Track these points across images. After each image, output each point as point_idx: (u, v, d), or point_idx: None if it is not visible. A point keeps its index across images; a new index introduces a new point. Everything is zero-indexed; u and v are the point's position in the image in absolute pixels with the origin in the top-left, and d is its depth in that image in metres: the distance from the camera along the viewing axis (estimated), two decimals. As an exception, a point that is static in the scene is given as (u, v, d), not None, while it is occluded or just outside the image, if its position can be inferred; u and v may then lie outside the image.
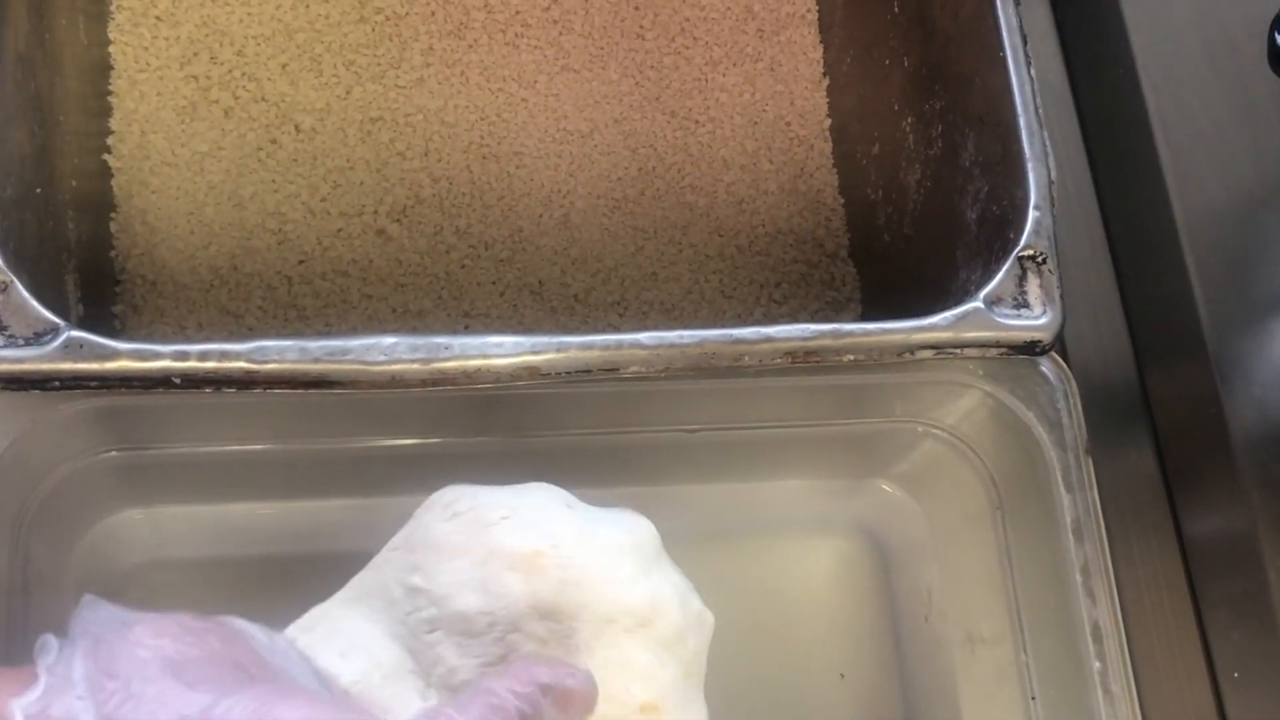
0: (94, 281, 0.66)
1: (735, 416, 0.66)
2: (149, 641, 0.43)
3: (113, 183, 0.69)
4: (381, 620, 0.50)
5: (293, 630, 0.50)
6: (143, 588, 0.65)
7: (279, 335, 0.54)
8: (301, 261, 0.69)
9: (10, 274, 0.52)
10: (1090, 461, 0.62)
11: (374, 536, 0.68)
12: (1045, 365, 0.63)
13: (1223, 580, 0.66)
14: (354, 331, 0.67)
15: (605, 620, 0.50)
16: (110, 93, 0.70)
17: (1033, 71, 0.60)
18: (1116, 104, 0.73)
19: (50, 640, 0.45)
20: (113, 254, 0.68)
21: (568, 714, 0.47)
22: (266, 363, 0.52)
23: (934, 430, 0.66)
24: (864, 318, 0.72)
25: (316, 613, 0.51)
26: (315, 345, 0.53)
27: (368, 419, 0.63)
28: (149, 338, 0.66)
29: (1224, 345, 0.66)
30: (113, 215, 0.69)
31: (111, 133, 0.70)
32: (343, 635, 0.50)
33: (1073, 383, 0.63)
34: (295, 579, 0.66)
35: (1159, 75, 0.71)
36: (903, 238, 0.69)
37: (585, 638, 0.49)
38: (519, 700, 0.44)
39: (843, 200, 0.75)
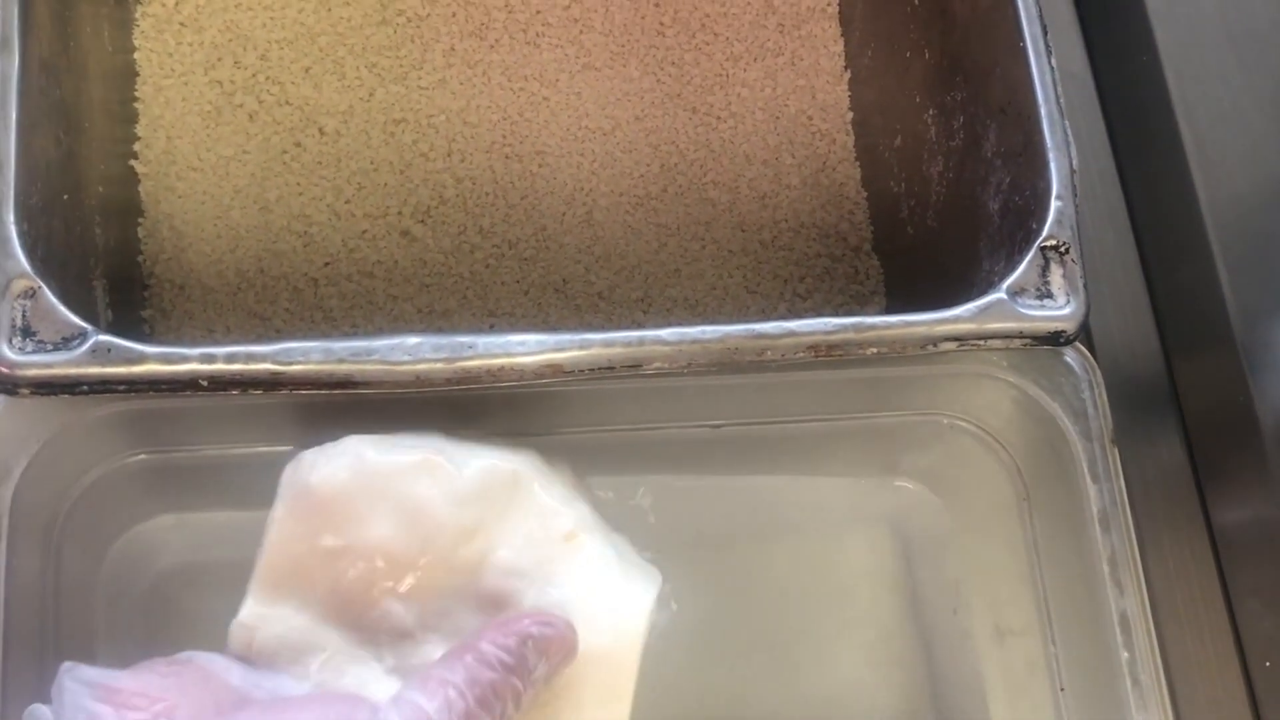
0: (122, 287, 0.67)
1: (760, 411, 0.66)
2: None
3: (139, 188, 0.70)
4: (308, 603, 0.51)
5: (232, 650, 0.50)
6: (174, 590, 0.65)
7: (305, 337, 0.55)
8: (327, 264, 0.69)
9: (38, 280, 0.53)
10: (1116, 452, 0.62)
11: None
12: (1070, 356, 0.63)
13: (1253, 569, 0.65)
14: (380, 332, 0.67)
15: (515, 490, 0.53)
16: (136, 99, 0.71)
17: (1054, 61, 0.60)
18: (1140, 93, 0.73)
19: (40, 712, 0.45)
20: (140, 259, 0.69)
21: (550, 661, 0.49)
22: (292, 364, 0.53)
23: (959, 422, 0.66)
24: (889, 311, 0.72)
25: (240, 630, 0.51)
26: (340, 346, 0.53)
27: (394, 418, 0.63)
28: (178, 341, 0.67)
29: (1252, 332, 0.65)
30: (140, 220, 0.69)
31: (138, 138, 0.70)
32: (280, 638, 0.50)
33: (1098, 373, 0.63)
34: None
35: (1182, 63, 0.71)
36: (926, 230, 0.69)
37: (502, 513, 0.53)
38: (503, 653, 0.47)
39: (865, 193, 0.75)
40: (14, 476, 0.57)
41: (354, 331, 0.68)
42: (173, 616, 0.64)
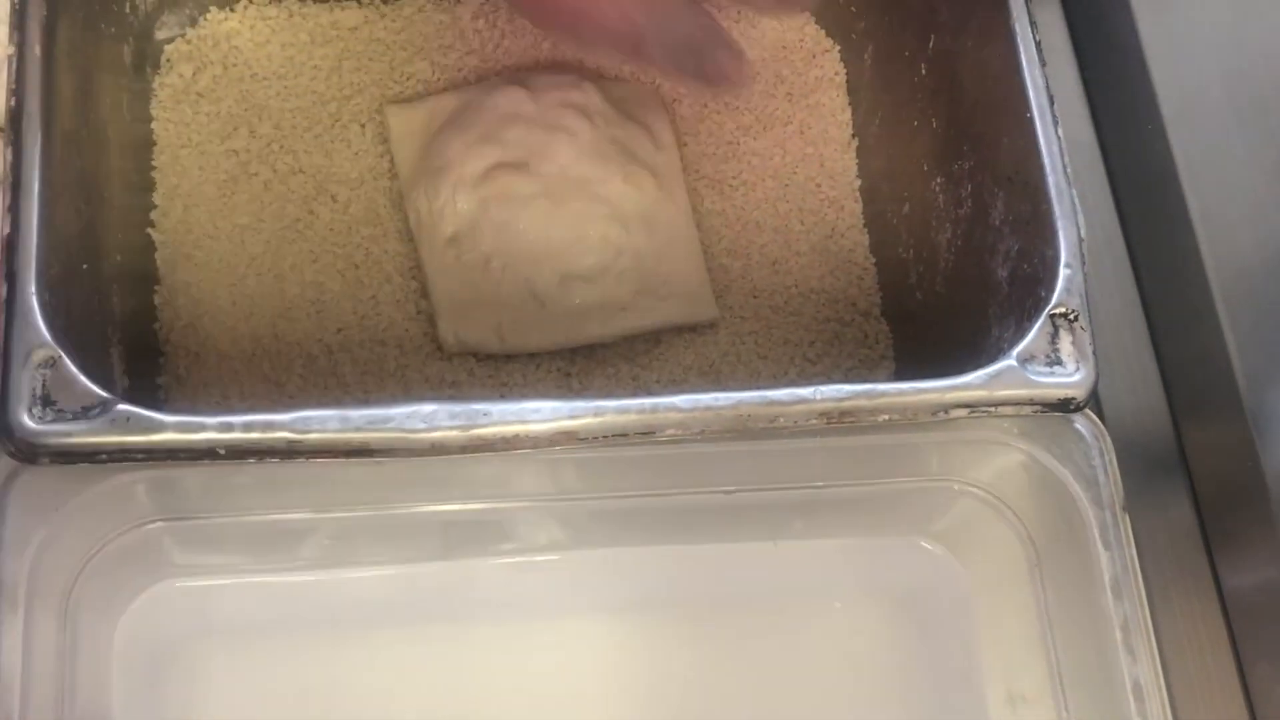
0: (138, 353, 0.67)
1: (772, 477, 0.66)
2: None
3: (156, 256, 0.70)
4: None
5: None
6: (189, 657, 0.65)
7: (320, 403, 0.55)
8: (340, 330, 0.70)
9: (58, 349, 0.53)
10: (1127, 518, 0.62)
11: (421, 604, 0.68)
12: (1080, 422, 0.64)
13: (1265, 634, 0.65)
14: (392, 399, 0.68)
15: None
16: (153, 168, 0.72)
17: (1060, 131, 0.61)
18: (1146, 160, 0.74)
19: None
20: (156, 326, 0.69)
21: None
22: (309, 433, 0.53)
23: (970, 489, 0.66)
24: (897, 375, 0.73)
25: None
26: (357, 415, 0.54)
27: (409, 485, 0.64)
28: (193, 408, 0.67)
29: (1259, 397, 0.66)
30: (156, 288, 0.70)
31: (155, 207, 0.71)
32: None
33: (1108, 439, 0.63)
34: (345, 648, 0.66)
35: (1187, 132, 0.72)
36: (935, 296, 0.70)
37: None
38: None
39: (874, 259, 0.75)
40: (32, 544, 0.57)
41: (366, 398, 0.69)
42: (188, 681, 0.64)
